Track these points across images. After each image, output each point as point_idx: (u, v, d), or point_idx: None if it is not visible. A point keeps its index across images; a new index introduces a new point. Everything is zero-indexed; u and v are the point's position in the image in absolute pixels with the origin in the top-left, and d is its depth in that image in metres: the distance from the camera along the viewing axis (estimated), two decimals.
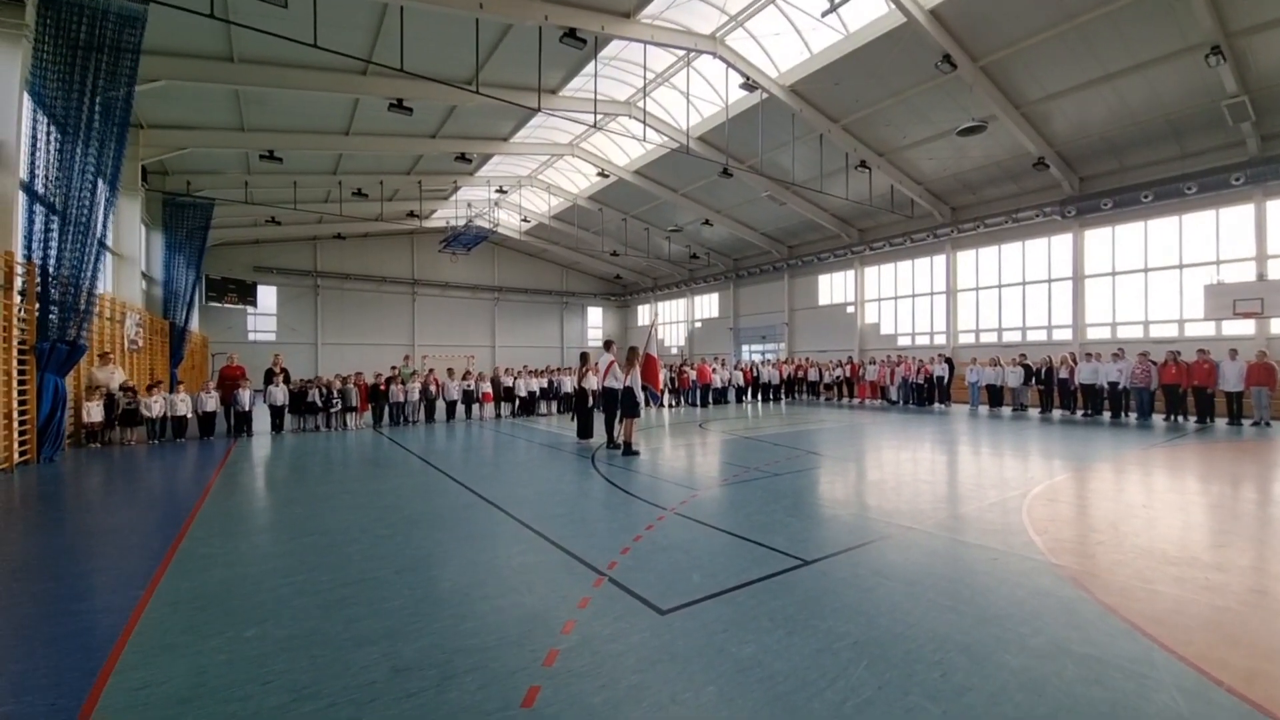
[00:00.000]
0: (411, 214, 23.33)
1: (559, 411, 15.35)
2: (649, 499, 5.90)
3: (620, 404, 8.78)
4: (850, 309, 24.18)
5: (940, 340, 21.06)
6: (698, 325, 32.67)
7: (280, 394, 11.56)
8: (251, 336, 27.70)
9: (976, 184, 18.97)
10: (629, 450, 8.58)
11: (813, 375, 19.99)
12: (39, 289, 8.24)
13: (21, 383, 8.07)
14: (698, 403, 17.40)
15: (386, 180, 20.56)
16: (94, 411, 9.85)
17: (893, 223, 21.90)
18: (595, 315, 38.40)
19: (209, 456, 9.04)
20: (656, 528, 4.94)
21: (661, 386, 9.98)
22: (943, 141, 16.89)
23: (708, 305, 32.21)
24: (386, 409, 12.92)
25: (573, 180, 24.28)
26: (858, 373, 18.77)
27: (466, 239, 25.04)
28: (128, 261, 14.62)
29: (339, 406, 12.05)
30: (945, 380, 16.23)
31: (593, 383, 10.31)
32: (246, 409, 11.21)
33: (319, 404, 11.79)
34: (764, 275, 27.73)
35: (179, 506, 5.82)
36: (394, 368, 13.33)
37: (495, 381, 14.43)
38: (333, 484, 6.89)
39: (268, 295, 27.99)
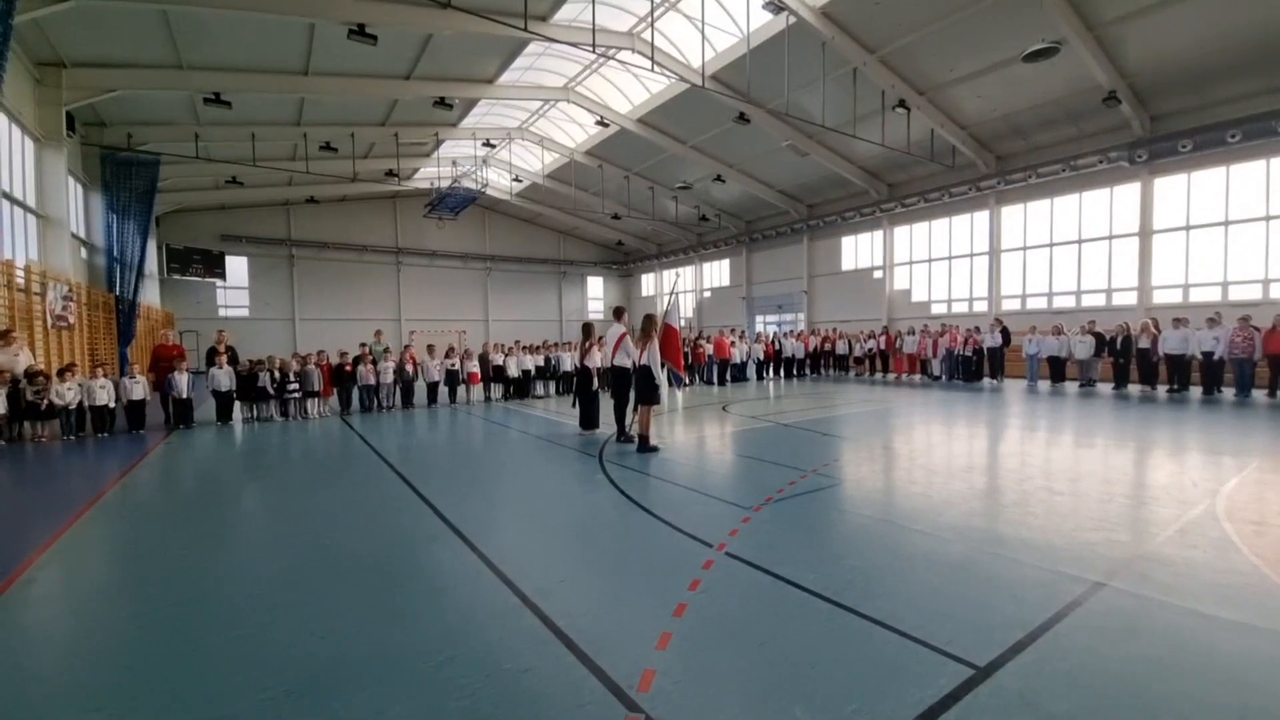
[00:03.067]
0: (390, 173, 21.36)
1: (558, 393, 13.74)
2: (684, 527, 4.26)
3: (634, 387, 7.11)
4: (878, 274, 22.34)
5: (980, 307, 19.28)
6: (707, 295, 30.88)
7: (225, 378, 9.92)
8: (223, 312, 25.99)
9: (1029, 127, 16.93)
10: (645, 445, 6.94)
11: (841, 348, 18.27)
12: None
13: None
14: (715, 380, 15.75)
15: (358, 133, 18.53)
16: None
17: (928, 175, 19.89)
18: (596, 286, 36.58)
19: (119, 458, 7.43)
20: (706, 586, 3.30)
21: (684, 365, 8.33)
22: (994, 75, 14.84)
23: (718, 273, 30.34)
24: (356, 393, 11.26)
25: (568, 133, 22.19)
26: (893, 344, 17.04)
27: (453, 201, 23.09)
28: (55, 224, 12.81)
29: (298, 391, 10.38)
30: (999, 352, 14.51)
31: (597, 360, 8.63)
32: (184, 395, 9.56)
33: (270, 389, 10.12)
34: (780, 238, 25.80)
35: (19, 542, 4.19)
36: (363, 345, 11.64)
37: (484, 359, 12.77)
38: (252, 502, 5.26)
39: (238, 267, 26.17)
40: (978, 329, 15.40)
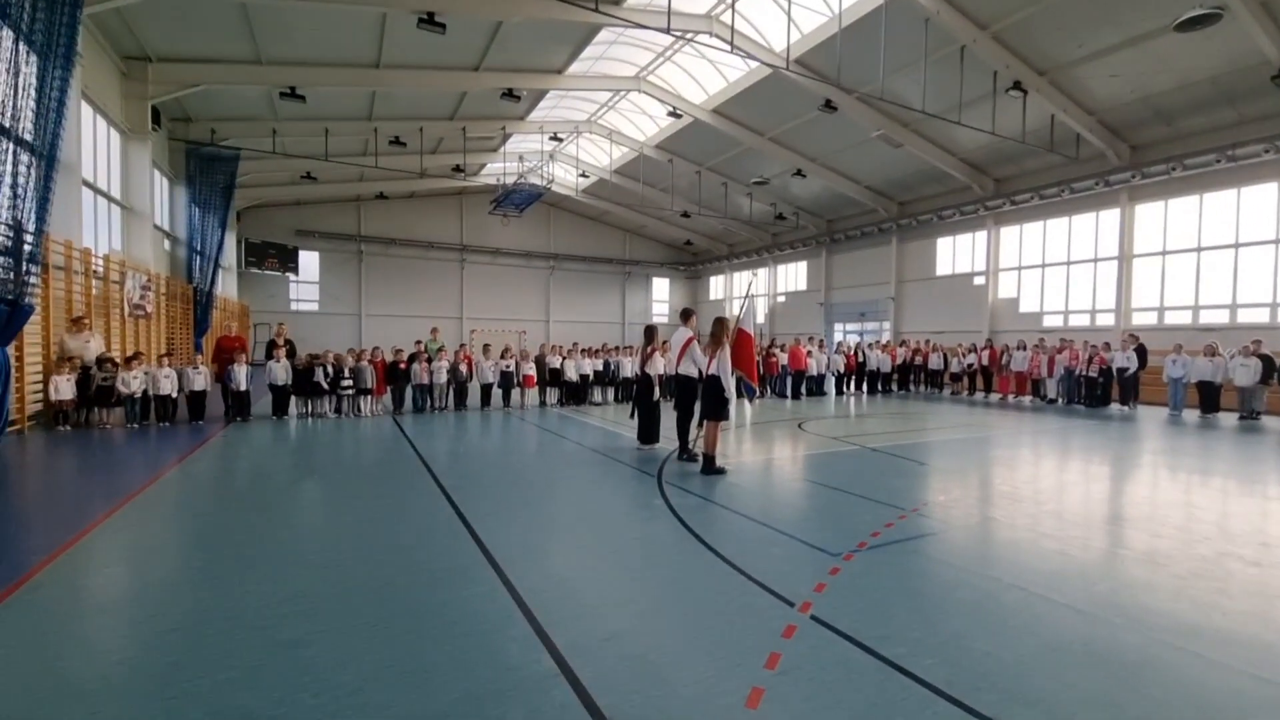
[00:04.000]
0: (457, 168, 21.84)
1: (616, 401, 13.34)
2: (759, 575, 3.62)
3: (700, 399, 6.51)
4: (979, 280, 20.59)
5: (1105, 320, 17.29)
6: (781, 299, 29.76)
7: (281, 371, 10.15)
8: (294, 306, 27.51)
9: (1174, 111, 14.98)
10: (710, 466, 6.32)
11: (935, 362, 16.84)
12: None
13: None
14: (788, 393, 14.85)
15: (427, 127, 19.02)
16: (63, 387, 8.69)
17: (1044, 168, 18.09)
18: (661, 287, 36.18)
19: (170, 450, 7.62)
20: (788, 664, 2.67)
21: (758, 376, 7.66)
22: (1133, 51, 13.19)
23: (793, 276, 29.17)
24: (409, 392, 11.28)
25: (638, 125, 21.90)
26: (999, 360, 15.49)
27: (518, 198, 23.26)
28: (137, 215, 13.75)
29: (351, 388, 10.49)
30: (1132, 373, 12.80)
31: (660, 367, 8.09)
32: (243, 388, 9.85)
33: (325, 385, 10.26)
34: (866, 239, 24.40)
35: (49, 536, 4.13)
36: (418, 342, 11.69)
37: (540, 361, 12.55)
38: (283, 510, 5.08)
39: (310, 262, 27.65)
40: (1106, 345, 13.68)
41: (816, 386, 15.73)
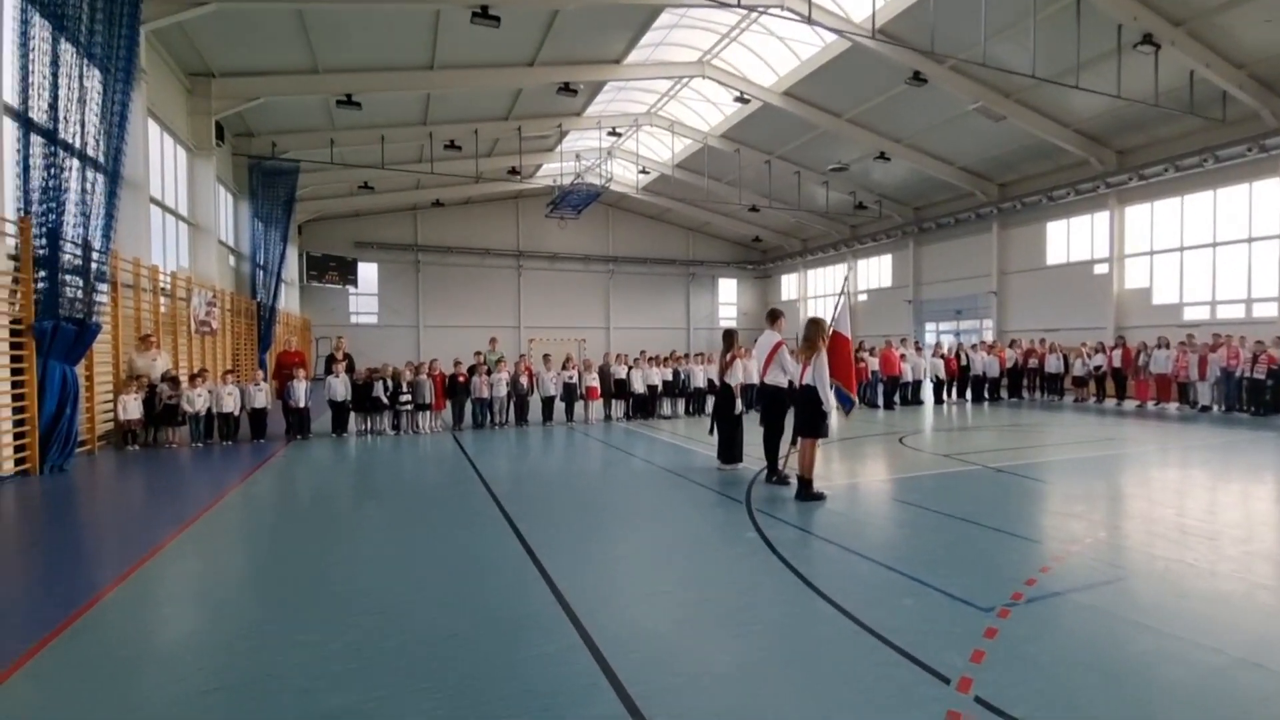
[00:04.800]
0: (513, 171, 22.13)
1: (687, 413, 12.91)
2: (893, 636, 3.06)
3: (794, 413, 5.96)
4: (1100, 268, 18.83)
5: (1266, 311, 15.33)
6: (863, 298, 28.45)
7: (340, 387, 10.31)
8: (354, 319, 28.66)
9: None
10: (807, 491, 5.75)
11: (1052, 364, 15.40)
12: (42, 251, 7.27)
13: (17, 372, 7.17)
14: (880, 403, 13.91)
15: (482, 129, 19.33)
16: (131, 406, 9.10)
17: (1180, 135, 16.31)
18: (728, 289, 35.50)
19: (232, 470, 7.80)
20: None
21: (857, 387, 7.01)
22: None
23: (876, 272, 27.85)
24: (469, 406, 11.25)
25: (701, 115, 21.49)
26: (1133, 361, 13.95)
27: (575, 199, 23.48)
28: (203, 231, 14.50)
29: (409, 404, 10.53)
30: None
31: (741, 375, 7.58)
32: (302, 405, 10.07)
33: (384, 400, 10.34)
34: (960, 227, 22.92)
35: (103, 570, 4.09)
36: (478, 354, 11.65)
37: (604, 372, 12.28)
38: (337, 541, 4.91)
39: (369, 273, 28.76)
40: (1277, 340, 12.01)
41: (912, 394, 14.69)
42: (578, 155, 23.24)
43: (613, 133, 21.70)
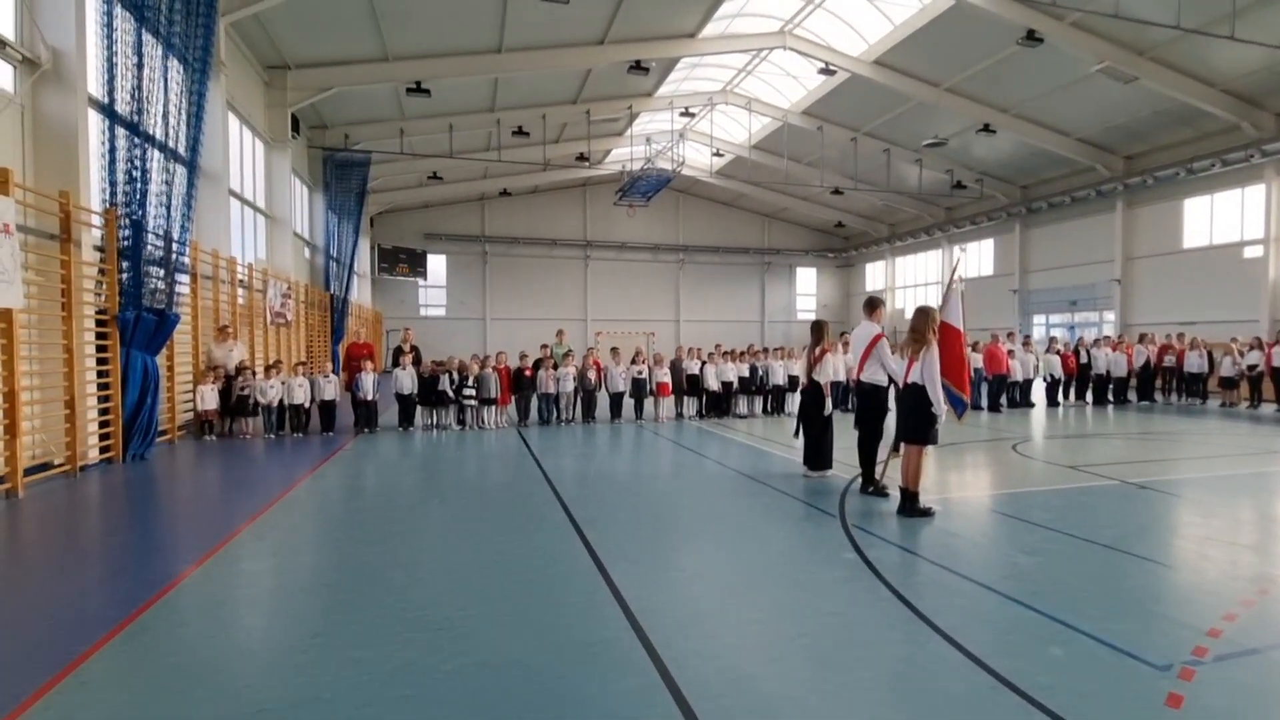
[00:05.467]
0: (581, 157, 22.13)
1: (765, 413, 12.43)
2: (1048, 700, 2.56)
3: (900, 416, 5.43)
4: (1253, 251, 16.77)
5: None
6: (960, 287, 26.67)
7: (407, 379, 10.48)
8: (423, 311, 29.67)
9: None
10: (913, 506, 5.22)
11: (1193, 363, 13.81)
12: (126, 242, 7.67)
13: (101, 361, 7.60)
14: (985, 404, 12.88)
15: (550, 113, 19.37)
16: (208, 397, 9.55)
17: None
18: (807, 279, 34.43)
19: (300, 464, 8.01)
20: None
21: (970, 387, 6.36)
22: None
23: (976, 258, 26.15)
24: (534, 401, 11.21)
25: (781, 90, 20.72)
26: None
27: (645, 185, 23.20)
28: (279, 223, 15.20)
29: (474, 398, 10.58)
30: None
31: (832, 372, 7.06)
32: (370, 398, 10.29)
33: (450, 394, 10.44)
34: (1076, 206, 21.09)
35: (166, 565, 4.15)
36: (544, 346, 11.59)
37: (676, 367, 11.96)
38: (395, 546, 4.82)
39: (438, 265, 29.67)
40: None
41: (1020, 395, 13.53)
42: (648, 139, 23.00)
43: (685, 113, 21.30)
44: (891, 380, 6.00)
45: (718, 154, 24.54)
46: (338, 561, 4.42)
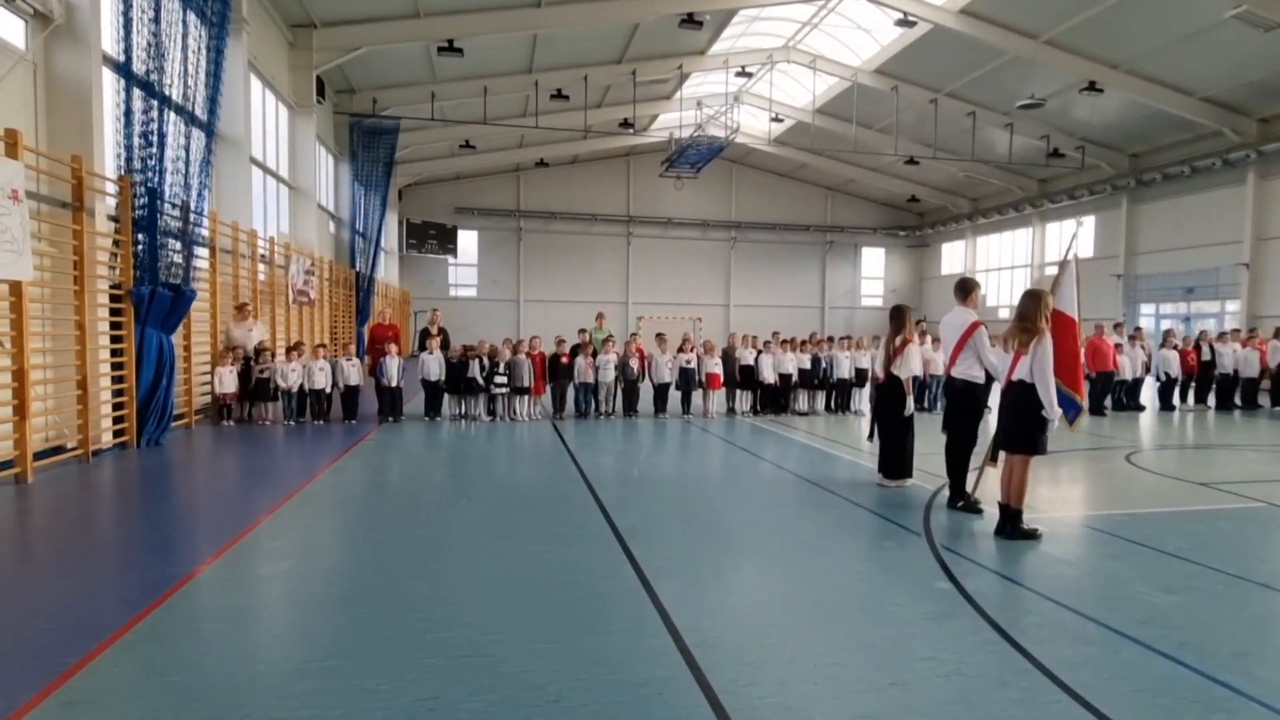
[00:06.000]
0: (625, 123, 21.87)
1: (829, 410, 12.05)
2: None
3: (1003, 420, 5.00)
4: None
5: None
6: (1051, 271, 25.51)
7: (435, 365, 10.44)
8: (453, 291, 29.96)
9: None
10: (1015, 526, 4.80)
11: None
12: (142, 212, 7.75)
13: (115, 339, 7.71)
14: (1086, 405, 12.07)
15: (592, 74, 19.14)
16: (227, 379, 9.68)
17: None
18: (874, 259, 33.50)
19: (320, 454, 8.02)
20: None
21: (1084, 388, 5.86)
22: None
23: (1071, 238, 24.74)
24: (571, 391, 11.09)
25: (851, 46, 19.95)
26: None
27: (695, 155, 22.98)
28: (303, 195, 15.38)
29: (505, 386, 10.46)
30: None
31: (915, 366, 6.63)
32: (394, 384, 10.31)
33: (480, 381, 10.35)
34: (1198, 178, 19.75)
35: (170, 565, 4.07)
36: (582, 331, 11.40)
37: (728, 356, 11.65)
38: (420, 547, 4.69)
39: (469, 242, 29.88)
40: None
41: (1128, 396, 12.69)
42: (699, 103, 22.52)
43: (742, 73, 20.73)
44: (989, 377, 5.56)
45: (777, 119, 23.96)
46: (355, 569, 4.28)
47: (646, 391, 11.61)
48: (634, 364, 11.25)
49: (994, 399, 5.39)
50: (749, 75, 21.23)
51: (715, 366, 11.42)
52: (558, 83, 19.26)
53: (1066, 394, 5.21)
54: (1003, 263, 27.97)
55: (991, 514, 5.27)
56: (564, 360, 11.03)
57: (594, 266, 30.54)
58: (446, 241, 28.60)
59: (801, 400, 11.97)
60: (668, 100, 23.31)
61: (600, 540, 4.80)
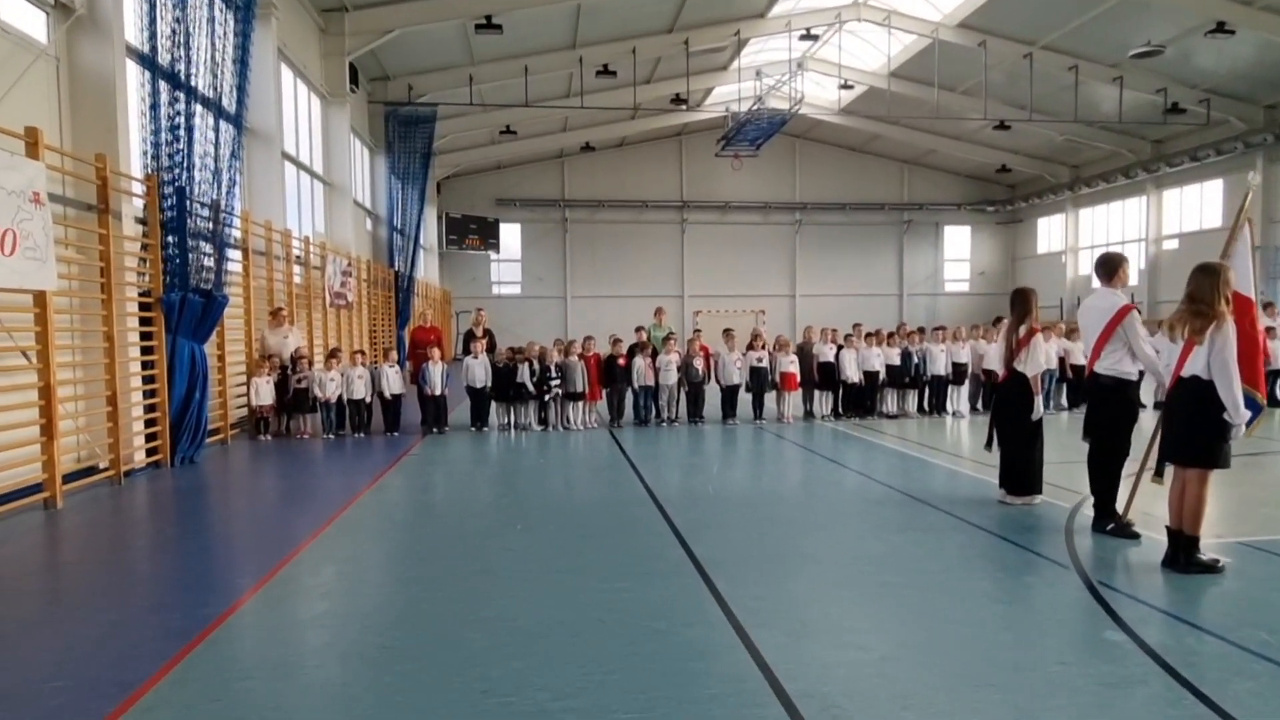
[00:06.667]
0: (677, 99, 21.55)
1: (922, 411, 11.55)
2: None
3: (1171, 426, 4.40)
4: None
5: None
6: (1170, 245, 24.04)
7: (480, 370, 10.28)
8: (495, 289, 30.20)
9: None
10: (1191, 557, 4.19)
11: None
12: (171, 213, 7.77)
13: (146, 351, 7.74)
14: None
15: (640, 47, 18.90)
16: (263, 390, 9.72)
17: None
18: (958, 239, 32.38)
19: (361, 472, 7.92)
20: None
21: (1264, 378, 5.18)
22: None
23: (1195, 206, 23.39)
24: (630, 397, 10.91)
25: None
26: None
27: (754, 131, 22.65)
28: (338, 190, 15.51)
29: (556, 391, 10.23)
30: None
31: (1044, 359, 6.02)
32: (438, 392, 10.24)
33: (529, 387, 10.18)
34: None
35: (198, 607, 3.88)
36: (639, 329, 11.14)
37: (804, 353, 11.23)
38: (468, 580, 4.41)
39: (511, 236, 30.02)
40: None
41: None
42: (758, 72, 22.00)
43: (806, 36, 20.09)
44: (1142, 373, 4.96)
45: (846, 86, 23.25)
46: (401, 612, 3.99)
47: (712, 394, 11.29)
48: (698, 364, 10.92)
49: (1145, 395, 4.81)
50: (814, 38, 20.58)
51: (790, 365, 11.05)
52: (604, 57, 19.07)
53: (1246, 392, 4.56)
54: (1110, 238, 26.37)
55: (1150, 539, 4.68)
56: (621, 362, 10.76)
57: (645, 258, 30.40)
58: (488, 236, 28.80)
59: (889, 401, 11.52)
60: (723, 71, 22.92)
61: (679, 575, 4.41)
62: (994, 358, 10.95)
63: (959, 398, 11.53)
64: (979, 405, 11.32)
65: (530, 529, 5.63)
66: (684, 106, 22.10)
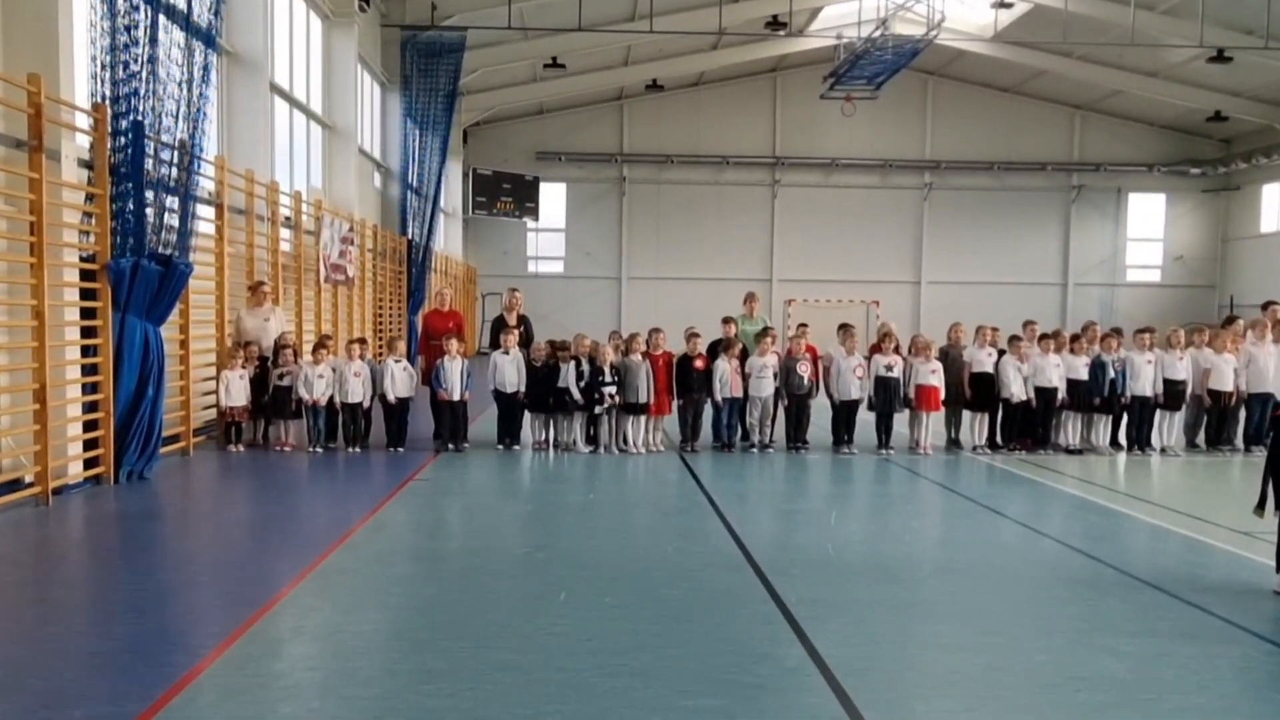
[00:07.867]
0: (774, 22, 21.10)
1: (1118, 445, 11.32)
2: None
3: None
4: None
5: None
6: None
7: (512, 370, 10.21)
8: (532, 266, 30.41)
9: None
10: None
11: None
12: (123, 155, 7.68)
13: (87, 333, 7.68)
14: None
15: None
16: (235, 387, 9.68)
17: None
18: (1147, 211, 31.53)
19: (354, 503, 7.77)
20: None
21: None
22: None
23: None
24: (709, 411, 10.74)
25: None
26: None
27: (874, 65, 22.56)
28: (340, 135, 15.52)
29: (612, 401, 10.10)
30: None
31: None
32: (457, 396, 10.18)
33: (575, 395, 10.03)
34: None
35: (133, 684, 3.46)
36: (727, 321, 10.92)
37: (949, 358, 10.91)
38: (499, 672, 3.87)
39: (554, 199, 30.17)
40: None
41: None
42: None
43: None
44: None
45: (1003, 4, 22.47)
46: None
47: (821, 412, 11.00)
48: (804, 370, 10.54)
49: None
50: None
51: (932, 375, 10.64)
52: None
53: None
54: None
55: None
56: (698, 365, 10.47)
57: (724, 229, 30.37)
58: (525, 199, 29.08)
59: (1069, 429, 11.12)
60: None
61: (800, 691, 3.76)
62: (1226, 374, 10.33)
63: (1171, 428, 11.03)
64: (1199, 440, 10.89)
65: (576, 600, 5.10)
66: (783, 31, 21.67)
